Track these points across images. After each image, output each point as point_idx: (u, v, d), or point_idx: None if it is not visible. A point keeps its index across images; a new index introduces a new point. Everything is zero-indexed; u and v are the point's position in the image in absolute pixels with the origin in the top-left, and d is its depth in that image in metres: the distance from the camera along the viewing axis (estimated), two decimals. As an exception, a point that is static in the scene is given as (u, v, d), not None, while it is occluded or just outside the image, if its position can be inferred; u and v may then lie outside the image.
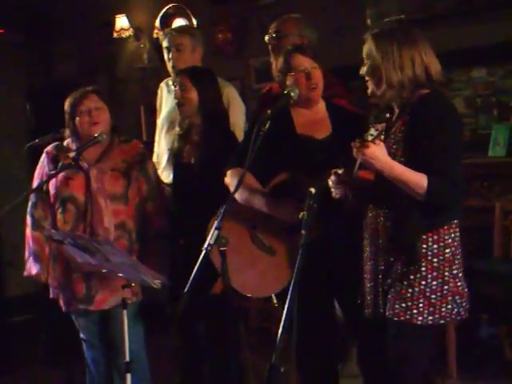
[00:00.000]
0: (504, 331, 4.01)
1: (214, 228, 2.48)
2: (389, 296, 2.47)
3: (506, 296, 3.85)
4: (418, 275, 2.41)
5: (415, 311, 2.41)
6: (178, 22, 5.64)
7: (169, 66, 3.78)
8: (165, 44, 3.79)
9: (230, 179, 2.92)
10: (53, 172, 3.13)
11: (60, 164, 3.17)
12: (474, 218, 4.17)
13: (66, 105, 3.20)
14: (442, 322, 2.46)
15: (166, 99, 3.91)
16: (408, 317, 2.42)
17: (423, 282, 2.41)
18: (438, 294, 2.42)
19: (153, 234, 3.22)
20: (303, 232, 2.30)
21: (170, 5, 5.80)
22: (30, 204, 3.25)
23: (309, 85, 2.91)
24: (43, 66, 6.78)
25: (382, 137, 2.41)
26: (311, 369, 2.94)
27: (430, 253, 2.42)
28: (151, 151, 3.82)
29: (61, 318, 3.36)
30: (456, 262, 2.47)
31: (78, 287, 3.14)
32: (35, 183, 3.25)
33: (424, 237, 2.42)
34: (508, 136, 4.34)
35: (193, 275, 2.41)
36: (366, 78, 2.55)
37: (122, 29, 6.13)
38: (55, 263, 3.21)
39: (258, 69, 5.42)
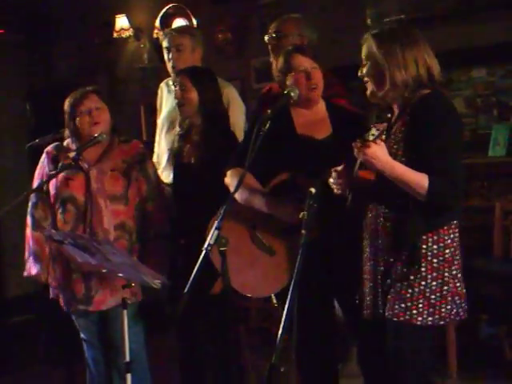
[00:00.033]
0: (504, 331, 4.01)
1: (214, 228, 2.48)
2: (388, 296, 2.47)
3: (506, 296, 3.84)
4: (418, 276, 2.41)
5: (415, 312, 2.41)
6: (178, 22, 5.64)
7: (169, 66, 3.78)
8: (165, 44, 3.79)
9: (230, 179, 2.92)
10: (53, 172, 3.12)
11: (60, 164, 3.16)
12: (474, 218, 4.17)
13: (66, 105, 3.20)
14: (442, 322, 2.46)
15: (166, 99, 3.91)
16: (407, 317, 2.42)
17: (423, 283, 2.41)
18: (438, 294, 2.42)
19: (153, 234, 3.22)
20: (303, 232, 2.30)
21: (170, 5, 5.80)
22: (30, 204, 3.25)
23: (309, 85, 2.91)
24: (43, 66, 6.78)
25: (384, 136, 2.42)
26: (311, 369, 2.94)
27: (429, 253, 2.42)
28: (151, 151, 3.82)
29: (61, 318, 3.36)
30: (455, 262, 2.47)
31: (78, 287, 3.14)
32: (35, 183, 3.25)
33: (424, 237, 2.42)
34: (508, 136, 4.34)
35: (193, 275, 2.41)
36: (366, 79, 2.55)
37: (122, 29, 6.13)
38: (55, 263, 3.21)
39: (258, 69, 5.42)
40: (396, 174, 2.34)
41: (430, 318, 2.42)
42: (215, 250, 2.53)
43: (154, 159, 3.77)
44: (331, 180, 2.53)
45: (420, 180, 2.32)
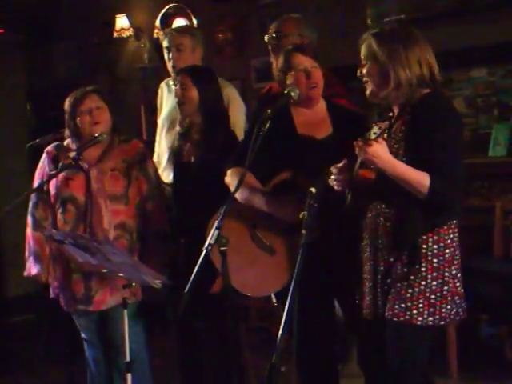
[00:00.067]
0: (504, 331, 4.01)
1: (214, 228, 2.48)
2: (389, 296, 2.47)
3: (506, 296, 3.84)
4: (418, 276, 2.41)
5: (415, 311, 2.41)
6: (179, 22, 5.65)
7: (169, 65, 3.78)
8: (165, 44, 3.79)
9: (230, 178, 2.92)
10: (53, 172, 3.13)
11: (60, 164, 3.17)
12: (474, 218, 4.16)
13: (67, 104, 3.20)
14: (442, 322, 2.46)
15: (166, 99, 3.91)
16: (408, 317, 2.42)
17: (423, 283, 2.41)
18: (438, 294, 2.42)
19: (153, 234, 3.22)
20: (303, 232, 2.30)
21: (171, 5, 5.80)
22: (30, 204, 3.25)
23: (309, 84, 2.91)
24: (43, 66, 6.77)
25: (386, 135, 2.42)
26: (311, 369, 2.94)
27: (429, 253, 2.42)
28: (152, 151, 3.82)
29: (61, 317, 3.36)
30: (455, 262, 2.47)
31: (78, 287, 3.14)
32: (36, 183, 3.25)
33: (424, 237, 2.42)
34: (508, 136, 4.34)
35: (193, 275, 2.41)
36: (366, 79, 2.55)
37: (123, 29, 6.13)
38: (55, 263, 3.21)
39: (258, 68, 5.42)
40: (397, 173, 2.34)
41: (430, 318, 2.41)
42: (215, 250, 2.53)
43: (155, 159, 3.77)
44: (332, 177, 2.52)
45: (421, 179, 2.32)
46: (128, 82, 6.34)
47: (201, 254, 2.45)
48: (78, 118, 3.16)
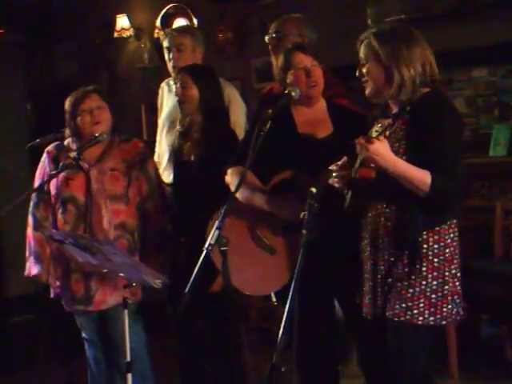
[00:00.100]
0: (505, 331, 4.01)
1: (214, 228, 2.48)
2: (389, 296, 2.47)
3: (507, 296, 3.84)
4: (419, 275, 2.41)
5: (416, 311, 2.41)
6: (179, 22, 5.64)
7: (169, 66, 3.78)
8: (165, 44, 3.79)
9: (231, 177, 2.92)
10: (54, 172, 3.13)
11: (61, 164, 3.16)
12: (474, 218, 4.17)
13: (67, 104, 3.20)
14: (444, 322, 2.46)
15: (166, 99, 3.91)
16: (408, 317, 2.42)
17: (424, 282, 2.41)
18: (439, 294, 2.42)
19: (153, 234, 3.22)
20: (304, 232, 2.29)
21: (171, 5, 5.79)
22: (31, 204, 3.25)
23: (308, 82, 2.91)
24: (44, 66, 6.77)
25: (388, 133, 2.41)
26: (311, 369, 2.94)
27: (430, 253, 2.42)
28: (152, 151, 3.81)
29: (61, 317, 3.36)
30: (454, 261, 2.48)
31: (78, 288, 3.14)
32: (36, 183, 3.24)
33: (425, 237, 2.42)
34: (509, 136, 4.34)
35: (193, 275, 2.41)
36: (365, 79, 2.55)
37: (123, 29, 6.13)
38: (56, 263, 3.20)
39: (258, 69, 5.41)
40: (399, 171, 2.33)
41: (431, 318, 2.42)
42: (216, 250, 2.52)
43: (155, 159, 3.77)
44: (333, 174, 2.52)
45: (423, 177, 2.32)
46: (128, 82, 6.34)
47: (201, 253, 2.45)
48: (79, 118, 3.16)
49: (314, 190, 2.36)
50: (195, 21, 5.71)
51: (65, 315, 3.28)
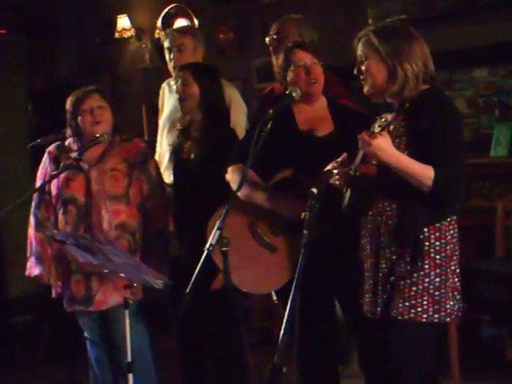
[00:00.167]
0: (506, 332, 4.01)
1: (215, 228, 2.48)
2: (392, 295, 2.46)
3: (508, 297, 3.84)
4: (421, 273, 2.42)
5: (419, 309, 2.42)
6: (180, 23, 5.65)
7: (170, 66, 3.78)
8: (166, 44, 3.79)
9: (231, 175, 2.92)
10: (54, 173, 3.13)
11: (62, 164, 3.17)
12: (475, 218, 4.17)
13: (68, 104, 3.20)
14: (448, 319, 2.47)
15: (167, 99, 3.91)
16: (412, 315, 2.42)
17: (426, 280, 2.42)
18: (442, 290, 2.43)
19: (154, 234, 3.22)
20: (305, 232, 2.29)
21: (172, 5, 5.80)
22: (33, 204, 3.25)
23: (308, 79, 2.91)
24: (45, 67, 6.77)
25: (392, 127, 2.41)
26: (312, 369, 2.94)
27: (432, 250, 2.43)
28: (153, 151, 3.82)
29: (62, 318, 3.36)
30: (454, 258, 2.49)
31: (78, 288, 3.14)
32: (38, 184, 3.24)
33: (426, 234, 2.43)
34: (510, 136, 4.34)
35: (194, 276, 2.41)
36: (364, 77, 2.55)
37: (124, 29, 6.13)
38: (57, 264, 3.20)
39: (259, 69, 5.41)
40: (401, 166, 2.33)
41: (436, 316, 2.42)
42: (217, 250, 2.52)
43: (156, 159, 3.77)
44: (334, 171, 2.51)
45: (426, 171, 2.32)
46: (129, 83, 6.34)
47: (202, 252, 2.45)
48: (80, 118, 3.16)
49: (314, 190, 2.36)
50: (196, 21, 5.72)
51: (66, 315, 3.28)
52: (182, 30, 4.00)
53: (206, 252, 2.45)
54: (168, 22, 5.74)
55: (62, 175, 3.13)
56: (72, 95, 3.21)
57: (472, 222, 4.08)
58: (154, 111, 4.24)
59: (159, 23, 5.82)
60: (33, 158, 4.68)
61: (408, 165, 2.34)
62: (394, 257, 2.46)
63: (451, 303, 2.45)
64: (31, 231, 3.25)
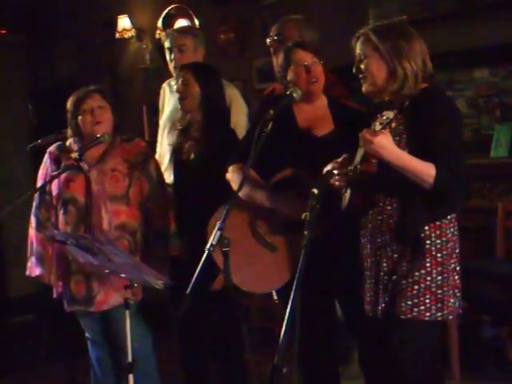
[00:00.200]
0: (506, 332, 4.00)
1: (216, 229, 2.48)
2: (394, 294, 2.46)
3: (508, 297, 3.84)
4: (423, 271, 2.42)
5: (422, 307, 2.42)
6: (181, 23, 5.65)
7: (171, 66, 3.78)
8: (167, 45, 3.79)
9: (232, 175, 2.92)
10: (55, 173, 3.13)
11: (62, 165, 3.17)
12: (476, 219, 4.17)
13: (69, 103, 3.20)
14: (450, 317, 2.47)
15: (168, 100, 3.91)
16: (415, 314, 2.42)
17: (428, 278, 2.42)
18: (445, 288, 2.43)
19: (154, 234, 3.22)
20: (306, 233, 2.29)
21: (173, 5, 5.80)
22: (34, 205, 3.25)
23: (309, 78, 2.90)
24: (45, 67, 6.78)
25: (394, 124, 2.41)
26: (312, 369, 2.94)
27: (433, 248, 2.43)
28: (153, 151, 3.82)
29: (63, 318, 3.36)
30: (454, 255, 2.49)
31: (79, 288, 3.14)
32: (39, 184, 3.25)
33: (427, 232, 2.43)
34: (510, 136, 4.33)
35: (195, 277, 2.41)
36: (363, 75, 2.55)
37: (124, 29, 6.14)
38: (57, 264, 3.20)
39: (260, 69, 5.41)
40: (403, 164, 2.34)
41: (439, 314, 2.43)
42: (217, 250, 2.52)
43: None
44: (334, 172, 2.51)
45: (427, 169, 2.32)
46: (130, 83, 6.34)
47: (202, 252, 2.44)
48: (80, 117, 3.16)
49: (315, 190, 2.36)
50: (197, 21, 5.71)
51: (67, 315, 3.28)
52: (183, 31, 4.00)
53: (206, 252, 2.44)
54: (169, 22, 5.74)
55: (63, 176, 3.13)
56: (73, 95, 3.21)
57: (472, 223, 4.08)
58: (155, 111, 4.24)
59: (160, 23, 5.81)
60: (33, 158, 4.68)
61: (409, 162, 2.34)
62: (396, 255, 2.47)
63: (452, 301, 2.46)
64: (32, 231, 3.25)
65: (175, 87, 3.42)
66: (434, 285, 2.42)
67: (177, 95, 3.38)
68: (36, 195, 3.21)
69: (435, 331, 2.50)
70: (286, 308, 2.15)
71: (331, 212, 2.50)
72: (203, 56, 3.81)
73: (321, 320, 2.90)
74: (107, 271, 2.90)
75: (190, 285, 2.40)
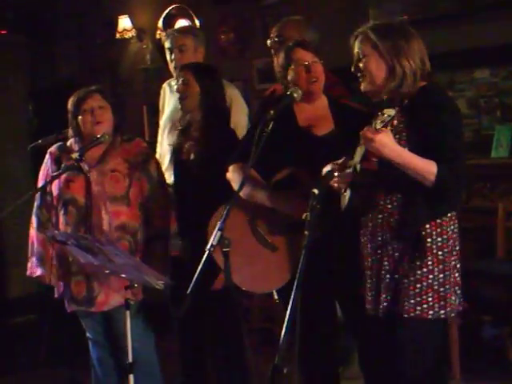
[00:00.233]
0: (507, 332, 4.01)
1: (216, 229, 2.48)
2: (396, 293, 2.46)
3: (509, 297, 3.84)
4: (425, 269, 2.42)
5: (425, 306, 2.42)
6: (181, 23, 5.65)
7: (171, 66, 3.78)
8: (167, 45, 3.79)
9: (232, 174, 2.91)
10: (55, 174, 3.13)
11: (63, 165, 3.16)
12: (476, 219, 4.17)
13: (70, 104, 3.20)
14: (453, 314, 2.48)
15: (168, 100, 3.91)
16: (418, 312, 2.42)
17: (430, 276, 2.42)
18: (447, 286, 2.44)
19: (154, 234, 3.21)
20: (306, 233, 2.29)
21: (173, 6, 5.80)
22: (35, 205, 3.25)
23: (309, 78, 2.90)
24: (45, 67, 6.78)
25: (395, 122, 2.41)
26: (312, 369, 2.93)
27: (434, 246, 2.43)
28: (154, 151, 3.82)
29: (63, 318, 3.36)
30: (454, 253, 2.49)
31: (79, 289, 3.14)
32: (40, 184, 3.24)
33: (428, 230, 2.43)
34: (511, 137, 4.34)
35: (195, 277, 2.40)
36: (362, 74, 2.55)
37: (125, 29, 6.14)
38: (58, 264, 3.20)
39: (260, 69, 5.42)
40: (404, 161, 2.34)
41: (441, 311, 2.43)
42: (218, 250, 2.52)
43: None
44: (335, 173, 2.51)
45: (428, 166, 2.33)
46: (130, 83, 6.34)
47: (203, 252, 2.44)
48: (80, 117, 3.16)
49: (315, 191, 2.36)
50: (197, 22, 5.72)
51: (67, 315, 3.28)
52: (183, 31, 4.00)
53: (206, 252, 2.44)
54: (169, 22, 5.74)
55: (63, 176, 3.13)
56: (74, 95, 3.21)
57: (473, 223, 4.08)
58: (155, 112, 4.24)
59: (160, 24, 5.82)
60: (33, 158, 4.68)
61: (411, 160, 2.34)
62: (397, 254, 2.47)
63: (453, 298, 2.47)
64: (33, 231, 3.25)
65: (175, 87, 3.42)
66: (436, 283, 2.42)
67: (177, 95, 3.38)
68: (37, 195, 3.21)
69: (438, 329, 2.50)
70: (287, 308, 2.15)
71: (331, 212, 2.49)
72: (203, 56, 3.81)
73: (321, 320, 2.90)
74: (108, 271, 2.90)
75: (191, 285, 2.40)
